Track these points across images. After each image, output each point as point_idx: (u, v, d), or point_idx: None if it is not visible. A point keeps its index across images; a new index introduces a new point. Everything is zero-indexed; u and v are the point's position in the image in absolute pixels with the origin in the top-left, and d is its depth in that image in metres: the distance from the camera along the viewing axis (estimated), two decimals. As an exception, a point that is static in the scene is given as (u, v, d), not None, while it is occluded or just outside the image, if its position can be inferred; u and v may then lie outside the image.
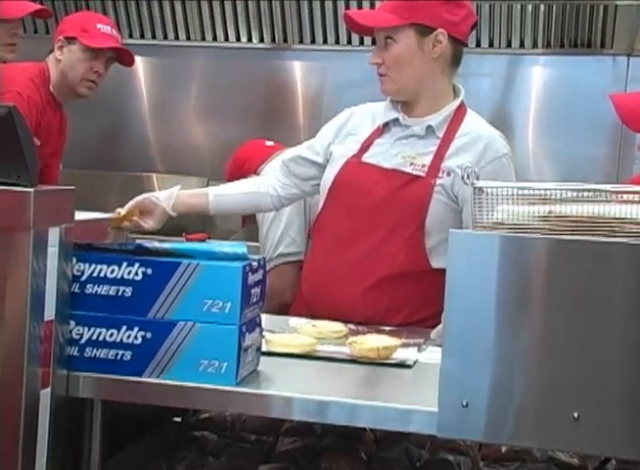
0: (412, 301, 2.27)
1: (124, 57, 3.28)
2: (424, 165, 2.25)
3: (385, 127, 2.34)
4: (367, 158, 2.31)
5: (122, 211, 2.34)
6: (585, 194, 1.55)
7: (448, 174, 2.24)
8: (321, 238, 2.37)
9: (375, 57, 2.29)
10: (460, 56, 2.35)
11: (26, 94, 3.04)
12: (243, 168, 3.23)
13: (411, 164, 2.26)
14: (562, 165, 3.94)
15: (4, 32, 3.14)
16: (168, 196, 2.40)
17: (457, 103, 2.33)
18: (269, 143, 3.27)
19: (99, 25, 3.21)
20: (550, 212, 1.54)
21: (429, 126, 2.29)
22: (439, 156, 2.25)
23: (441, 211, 2.24)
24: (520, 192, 1.57)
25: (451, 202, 2.25)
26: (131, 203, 2.37)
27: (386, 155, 2.30)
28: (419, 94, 2.31)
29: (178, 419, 2.10)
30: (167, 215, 2.40)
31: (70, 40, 3.17)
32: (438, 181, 2.23)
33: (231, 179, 3.12)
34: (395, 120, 2.33)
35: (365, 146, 2.32)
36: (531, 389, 1.48)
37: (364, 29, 2.36)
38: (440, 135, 2.28)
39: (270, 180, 2.50)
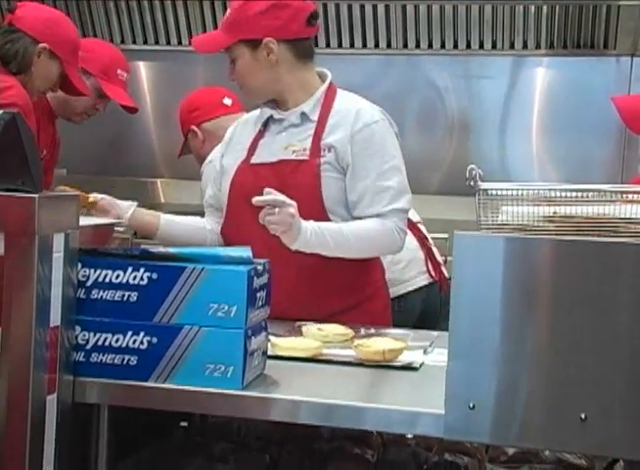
0: (335, 286, 2.29)
1: (131, 108, 3.30)
2: (305, 149, 2.31)
3: (265, 127, 2.40)
4: (254, 159, 2.37)
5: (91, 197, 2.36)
6: (590, 194, 1.55)
7: (329, 151, 2.29)
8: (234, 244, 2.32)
9: (229, 73, 2.38)
10: (306, 48, 2.39)
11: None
12: (191, 115, 3.23)
13: (293, 151, 2.32)
14: (566, 166, 3.94)
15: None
16: (129, 206, 2.44)
17: (324, 87, 2.38)
18: (227, 101, 3.24)
19: (119, 71, 3.20)
20: (555, 213, 1.54)
21: (302, 113, 2.35)
22: (317, 136, 2.31)
23: (336, 187, 2.29)
24: (524, 193, 1.57)
25: (342, 175, 2.30)
26: (94, 195, 2.39)
27: (270, 151, 2.36)
28: (280, 93, 2.37)
29: (185, 424, 2.10)
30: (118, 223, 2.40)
31: (86, 73, 3.13)
32: (323, 160, 2.28)
33: (181, 122, 3.25)
34: (271, 118, 2.39)
35: (251, 150, 2.39)
36: (538, 390, 1.48)
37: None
38: (315, 119, 2.34)
39: (207, 219, 2.53)
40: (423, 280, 2.83)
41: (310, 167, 2.28)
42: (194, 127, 3.23)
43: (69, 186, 2.47)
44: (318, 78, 2.40)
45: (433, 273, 2.83)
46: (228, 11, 2.35)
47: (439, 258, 2.89)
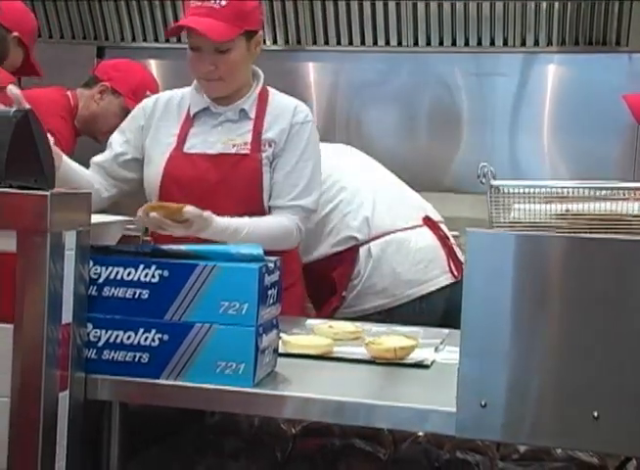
0: None
1: None
2: (245, 143, 2.35)
3: (195, 116, 2.40)
4: (188, 148, 2.37)
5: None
6: (603, 192, 1.54)
7: (270, 145, 2.35)
8: (166, 235, 2.24)
9: (207, 64, 2.32)
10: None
11: (59, 134, 3.03)
12: None
13: (233, 145, 2.35)
14: (577, 164, 3.92)
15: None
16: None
17: (260, 85, 2.43)
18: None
19: (148, 92, 3.19)
20: (567, 210, 1.53)
21: (241, 110, 2.38)
22: (257, 131, 2.36)
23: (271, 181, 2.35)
24: (536, 190, 1.57)
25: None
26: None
27: (206, 143, 2.37)
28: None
29: (196, 421, 2.10)
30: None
31: (115, 92, 3.18)
32: (264, 155, 2.33)
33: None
34: (206, 109, 2.39)
35: (182, 138, 2.38)
36: (550, 388, 1.47)
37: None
38: (252, 116, 2.38)
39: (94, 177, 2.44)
40: (445, 280, 2.78)
41: (252, 162, 2.33)
42: None
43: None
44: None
45: (455, 273, 2.79)
46: (222, 1, 2.28)
47: (462, 258, 2.85)
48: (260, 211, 2.32)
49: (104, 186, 2.44)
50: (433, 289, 2.77)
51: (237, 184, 2.31)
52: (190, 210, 2.10)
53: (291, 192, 2.33)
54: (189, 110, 2.41)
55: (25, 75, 3.06)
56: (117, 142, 2.46)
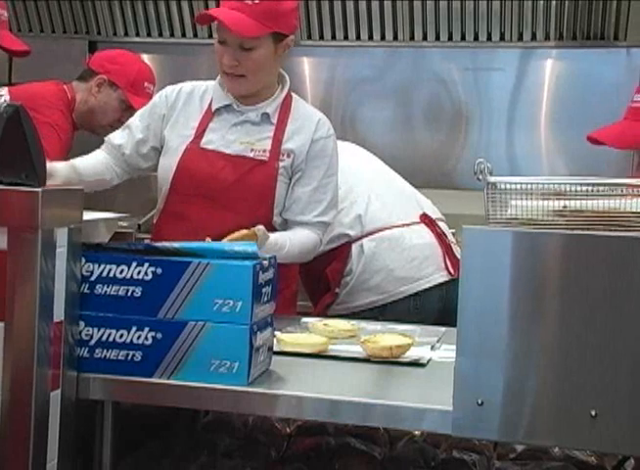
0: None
1: None
2: (264, 150, 2.35)
3: (215, 112, 2.39)
4: (206, 144, 2.36)
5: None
6: (601, 188, 1.53)
7: (288, 156, 2.35)
8: (172, 226, 2.34)
9: (231, 59, 2.30)
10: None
11: (60, 128, 3.01)
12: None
13: (252, 149, 2.35)
14: (574, 160, 3.91)
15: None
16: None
17: (286, 90, 2.42)
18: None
19: (146, 84, 3.21)
20: (565, 207, 1.52)
21: (264, 113, 2.37)
22: (277, 140, 2.35)
23: (284, 192, 2.37)
24: (534, 187, 1.55)
25: (289, 181, 2.38)
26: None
27: (223, 141, 2.36)
28: (259, 89, 2.39)
29: (190, 420, 2.08)
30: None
31: (113, 85, 3.16)
32: (281, 164, 2.34)
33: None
34: (228, 106, 2.38)
35: (200, 132, 2.37)
36: (547, 387, 1.46)
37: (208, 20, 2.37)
38: (274, 121, 2.37)
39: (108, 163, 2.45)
40: (441, 277, 2.75)
41: (269, 169, 2.33)
42: None
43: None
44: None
45: (451, 270, 2.77)
46: None
47: (459, 255, 2.82)
48: (268, 217, 2.32)
49: (116, 173, 2.44)
50: (427, 286, 2.75)
51: (251, 188, 2.31)
52: (262, 227, 2.15)
53: (316, 208, 2.36)
54: (211, 104, 2.39)
55: (15, 55, 2.91)
56: (138, 127, 2.44)
